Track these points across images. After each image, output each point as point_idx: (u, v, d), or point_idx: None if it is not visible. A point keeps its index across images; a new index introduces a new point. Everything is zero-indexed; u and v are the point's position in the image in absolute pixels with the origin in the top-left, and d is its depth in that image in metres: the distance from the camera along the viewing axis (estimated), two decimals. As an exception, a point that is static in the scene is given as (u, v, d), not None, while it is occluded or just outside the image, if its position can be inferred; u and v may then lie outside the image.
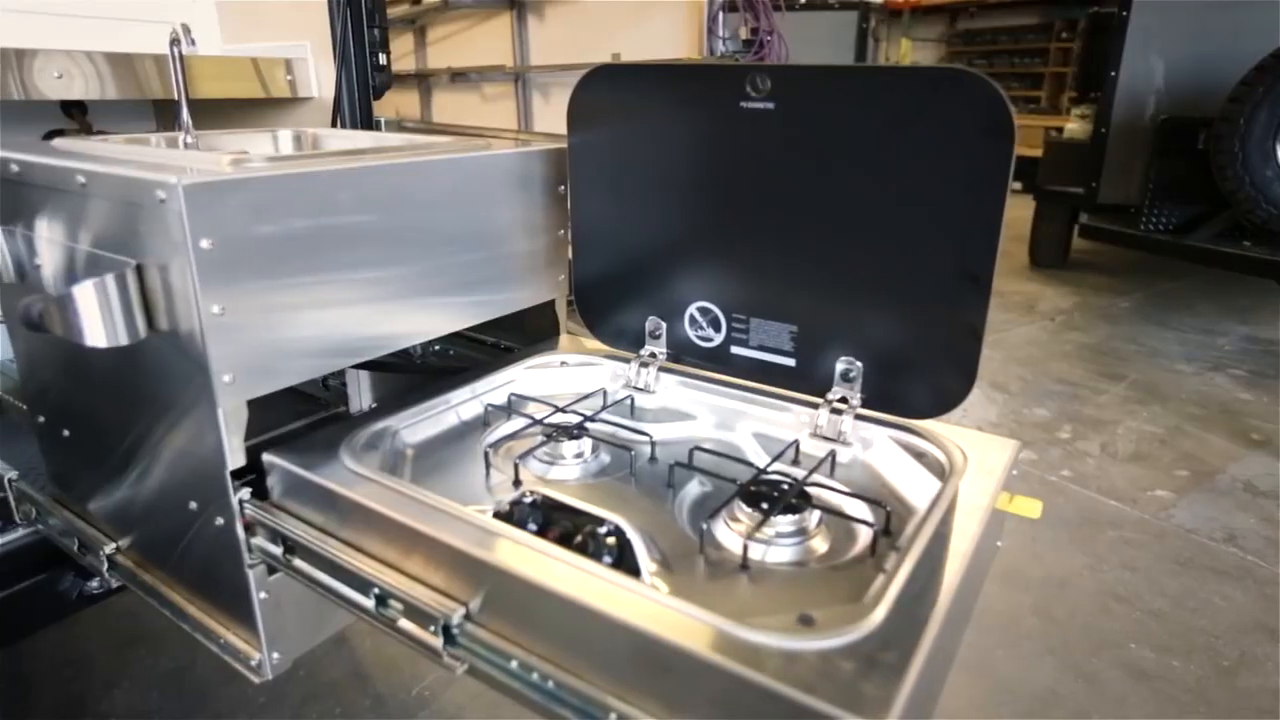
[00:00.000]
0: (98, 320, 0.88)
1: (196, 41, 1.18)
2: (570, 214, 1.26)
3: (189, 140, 1.27)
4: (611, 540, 0.83)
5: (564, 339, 1.37)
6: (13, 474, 1.30)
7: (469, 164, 1.14)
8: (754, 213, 1.09)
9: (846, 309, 1.05)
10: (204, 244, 0.85)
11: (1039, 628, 1.96)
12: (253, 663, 1.01)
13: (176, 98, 1.22)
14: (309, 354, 1.00)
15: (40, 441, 1.27)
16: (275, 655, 1.01)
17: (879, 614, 0.67)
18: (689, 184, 1.13)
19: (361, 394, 1.48)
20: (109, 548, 1.15)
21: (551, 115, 4.27)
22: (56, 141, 1.15)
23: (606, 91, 1.16)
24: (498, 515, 0.87)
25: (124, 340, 0.90)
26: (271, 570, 0.98)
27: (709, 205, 1.13)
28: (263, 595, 0.98)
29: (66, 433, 1.19)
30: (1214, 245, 3.80)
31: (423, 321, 1.14)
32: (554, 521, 0.87)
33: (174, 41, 1.18)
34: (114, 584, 1.19)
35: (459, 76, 4.53)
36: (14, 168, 1.03)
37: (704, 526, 0.85)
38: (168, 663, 1.83)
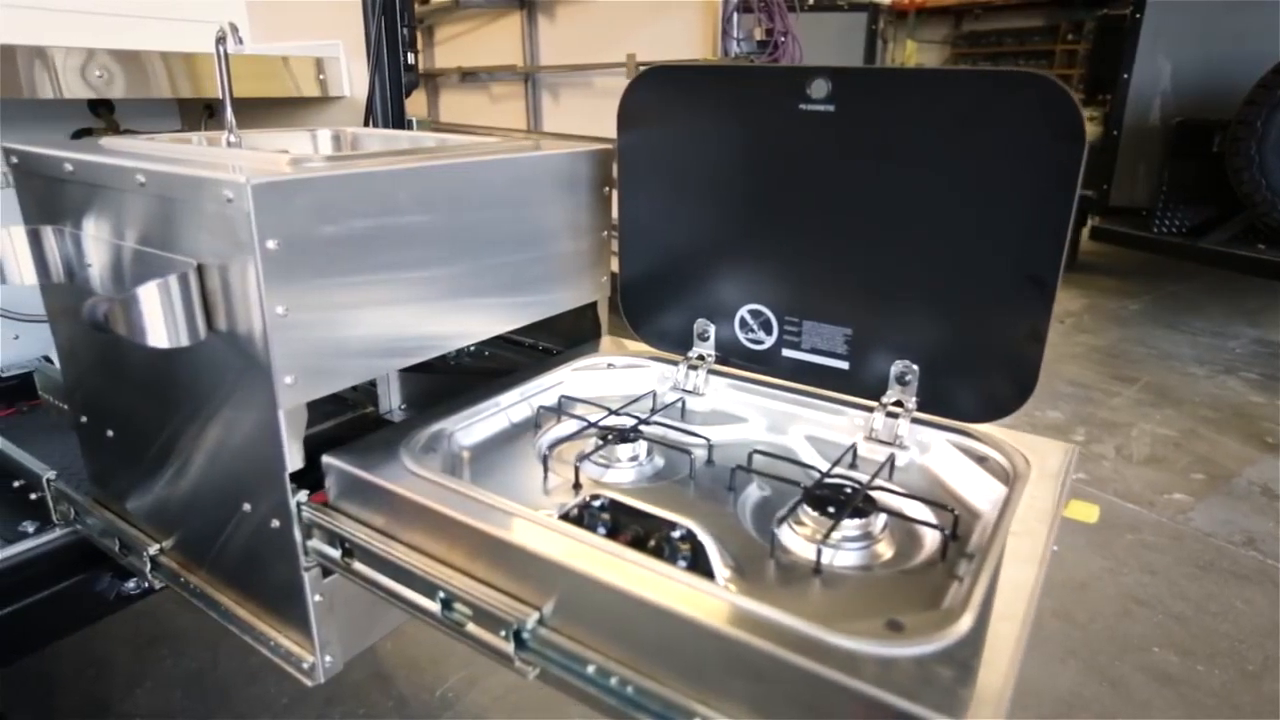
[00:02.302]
0: (160, 321, 0.87)
1: (243, 40, 1.17)
2: (618, 215, 1.25)
3: (232, 139, 1.26)
4: (685, 545, 0.82)
5: (605, 340, 1.36)
6: (51, 474, 1.29)
7: (523, 164, 1.13)
8: (809, 215, 1.08)
9: (904, 312, 1.05)
10: (270, 244, 0.84)
11: (1061, 631, 1.96)
12: (305, 665, 1.00)
13: (222, 97, 1.21)
14: (364, 355, 0.99)
15: (82, 441, 1.26)
16: (328, 658, 1.01)
17: (966, 620, 0.66)
18: (742, 186, 1.13)
19: (391, 395, 1.47)
20: (152, 549, 1.14)
21: (561, 116, 4.25)
22: (104, 141, 1.14)
23: (658, 93, 1.15)
24: (564, 518, 0.87)
25: (185, 341, 0.90)
26: (325, 573, 0.98)
27: (763, 207, 1.12)
28: (317, 598, 0.98)
29: (110, 433, 1.18)
30: (1228, 248, 3.82)
31: (472, 322, 1.13)
32: (624, 525, 0.87)
33: (220, 40, 1.18)
34: (157, 585, 1.18)
35: (468, 76, 4.51)
36: (68, 166, 1.02)
37: (774, 531, 0.84)
38: (190, 663, 1.82)
